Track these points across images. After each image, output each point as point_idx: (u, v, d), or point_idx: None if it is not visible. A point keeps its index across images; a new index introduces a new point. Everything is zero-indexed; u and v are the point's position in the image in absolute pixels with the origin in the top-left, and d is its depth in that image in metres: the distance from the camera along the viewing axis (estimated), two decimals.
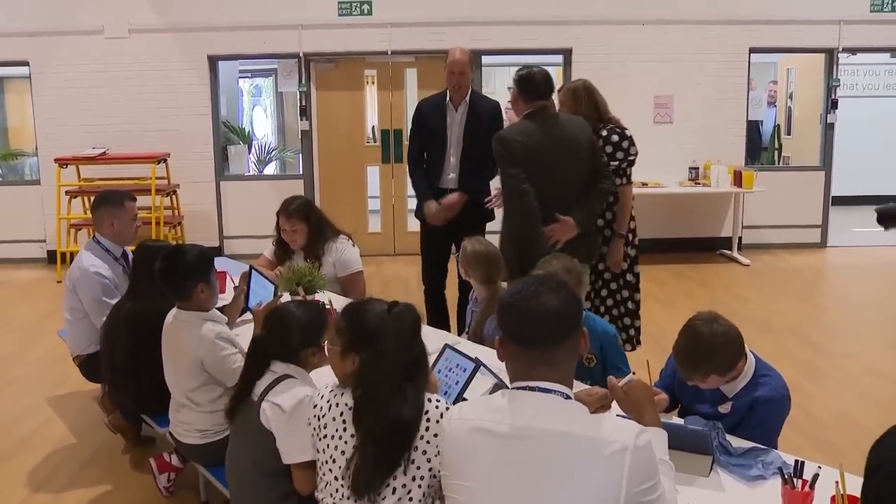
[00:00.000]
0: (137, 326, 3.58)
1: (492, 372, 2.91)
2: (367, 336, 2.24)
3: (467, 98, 5.11)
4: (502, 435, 1.79)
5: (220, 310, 3.46)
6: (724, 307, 6.67)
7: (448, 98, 5.13)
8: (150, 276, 3.60)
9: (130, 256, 4.25)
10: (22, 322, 6.74)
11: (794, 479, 2.10)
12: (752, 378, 2.72)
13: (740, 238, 8.84)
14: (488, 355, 3.28)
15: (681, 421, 2.65)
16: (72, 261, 7.70)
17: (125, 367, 3.67)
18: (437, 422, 2.12)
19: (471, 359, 2.90)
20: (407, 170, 5.64)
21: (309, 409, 2.39)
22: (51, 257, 8.55)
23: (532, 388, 1.82)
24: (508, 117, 4.89)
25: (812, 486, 2.07)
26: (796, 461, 2.17)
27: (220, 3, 8.52)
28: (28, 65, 8.64)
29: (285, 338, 2.63)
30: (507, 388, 2.80)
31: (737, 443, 2.48)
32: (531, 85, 4.06)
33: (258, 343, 2.65)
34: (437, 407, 2.16)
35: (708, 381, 2.66)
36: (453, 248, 5.09)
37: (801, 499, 2.06)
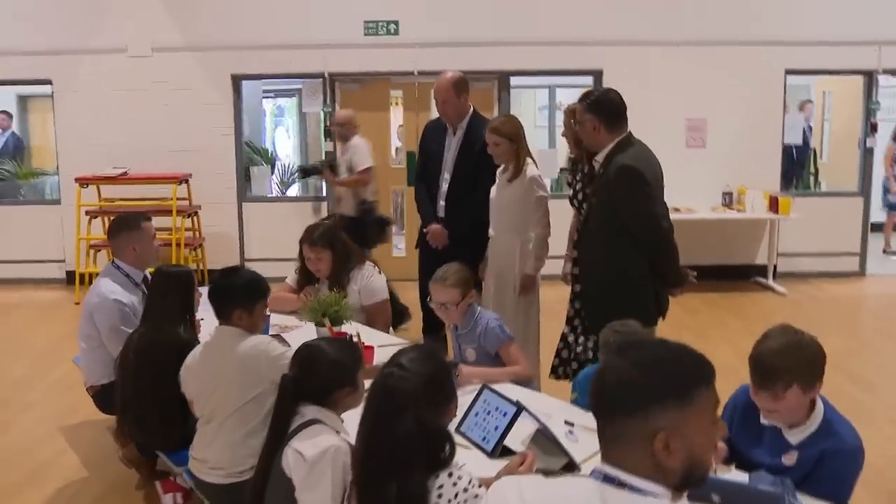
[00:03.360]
0: (146, 356, 3.43)
1: (534, 416, 2.68)
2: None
3: (465, 122, 4.91)
4: None
5: None
6: None
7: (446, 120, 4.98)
8: (164, 303, 3.51)
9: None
10: (39, 345, 6.60)
11: None
12: (820, 426, 2.48)
13: (775, 266, 8.56)
14: (528, 397, 3.07)
15: (745, 476, 2.40)
16: (91, 282, 7.64)
17: (132, 398, 3.50)
18: (450, 501, 1.89)
19: (511, 402, 2.68)
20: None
21: (334, 460, 2.26)
22: (70, 278, 8.42)
23: (624, 485, 1.43)
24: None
25: None
26: None
27: (244, 22, 8.41)
28: (51, 83, 8.56)
29: (316, 378, 2.46)
30: (548, 431, 2.59)
31: (809, 502, 2.24)
32: (616, 108, 3.75)
33: (287, 385, 2.45)
34: (454, 484, 1.91)
35: (786, 398, 2.40)
36: None
37: None
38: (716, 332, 6.72)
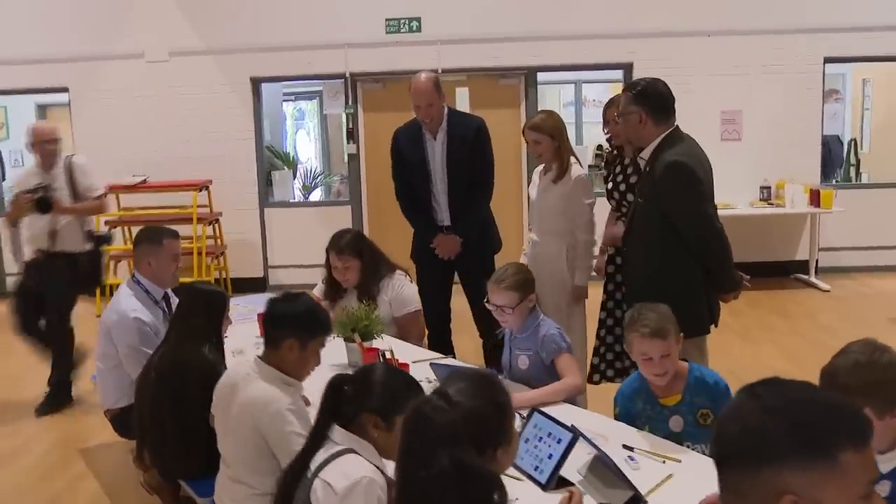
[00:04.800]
0: (167, 376, 3.18)
1: (590, 442, 2.42)
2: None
3: (444, 123, 4.63)
4: None
5: None
6: (809, 339, 6.13)
7: (424, 126, 4.67)
8: (190, 321, 3.25)
9: (173, 299, 3.89)
10: None
11: None
12: None
13: (817, 261, 8.22)
14: (577, 416, 2.82)
15: None
16: (111, 294, 7.45)
17: (151, 421, 3.26)
18: None
19: (567, 427, 2.42)
20: None
21: (367, 493, 2.02)
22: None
23: None
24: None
25: None
26: None
27: (262, 23, 8.19)
28: (67, 91, 8.40)
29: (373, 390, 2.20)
30: (609, 459, 2.34)
31: None
32: (664, 99, 3.49)
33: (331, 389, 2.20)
34: None
35: None
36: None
37: None
38: (760, 334, 6.41)
